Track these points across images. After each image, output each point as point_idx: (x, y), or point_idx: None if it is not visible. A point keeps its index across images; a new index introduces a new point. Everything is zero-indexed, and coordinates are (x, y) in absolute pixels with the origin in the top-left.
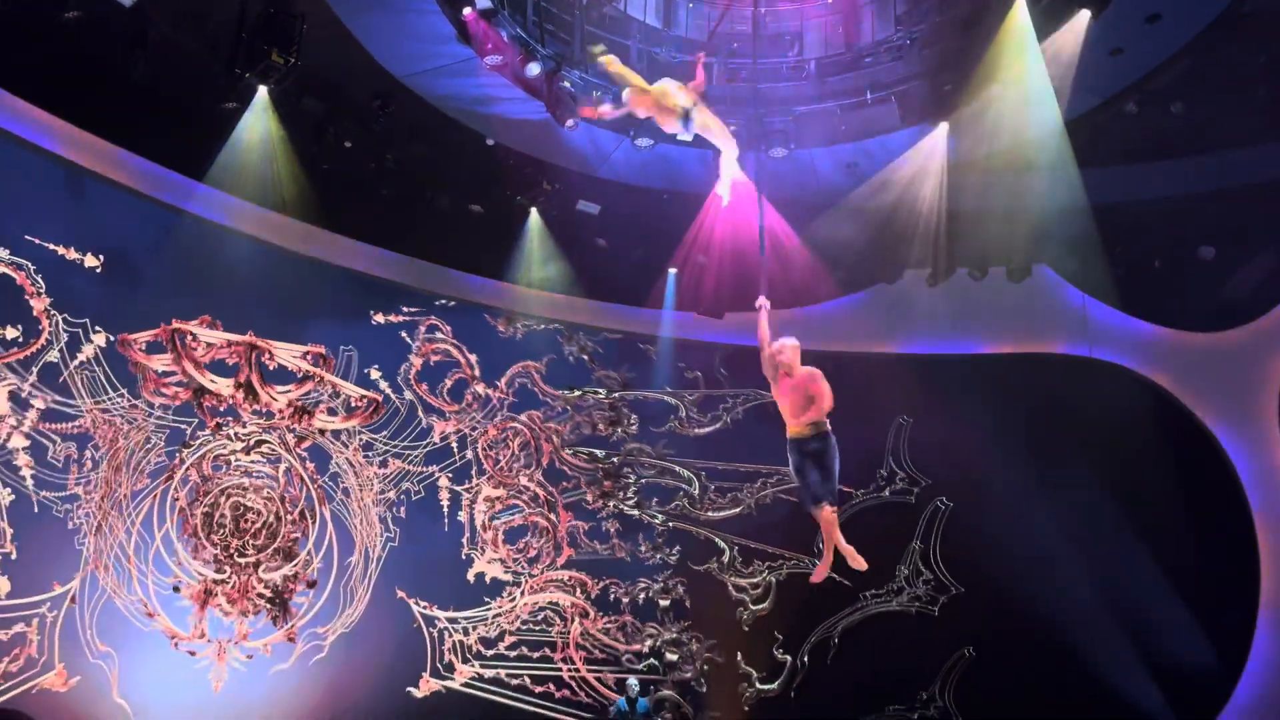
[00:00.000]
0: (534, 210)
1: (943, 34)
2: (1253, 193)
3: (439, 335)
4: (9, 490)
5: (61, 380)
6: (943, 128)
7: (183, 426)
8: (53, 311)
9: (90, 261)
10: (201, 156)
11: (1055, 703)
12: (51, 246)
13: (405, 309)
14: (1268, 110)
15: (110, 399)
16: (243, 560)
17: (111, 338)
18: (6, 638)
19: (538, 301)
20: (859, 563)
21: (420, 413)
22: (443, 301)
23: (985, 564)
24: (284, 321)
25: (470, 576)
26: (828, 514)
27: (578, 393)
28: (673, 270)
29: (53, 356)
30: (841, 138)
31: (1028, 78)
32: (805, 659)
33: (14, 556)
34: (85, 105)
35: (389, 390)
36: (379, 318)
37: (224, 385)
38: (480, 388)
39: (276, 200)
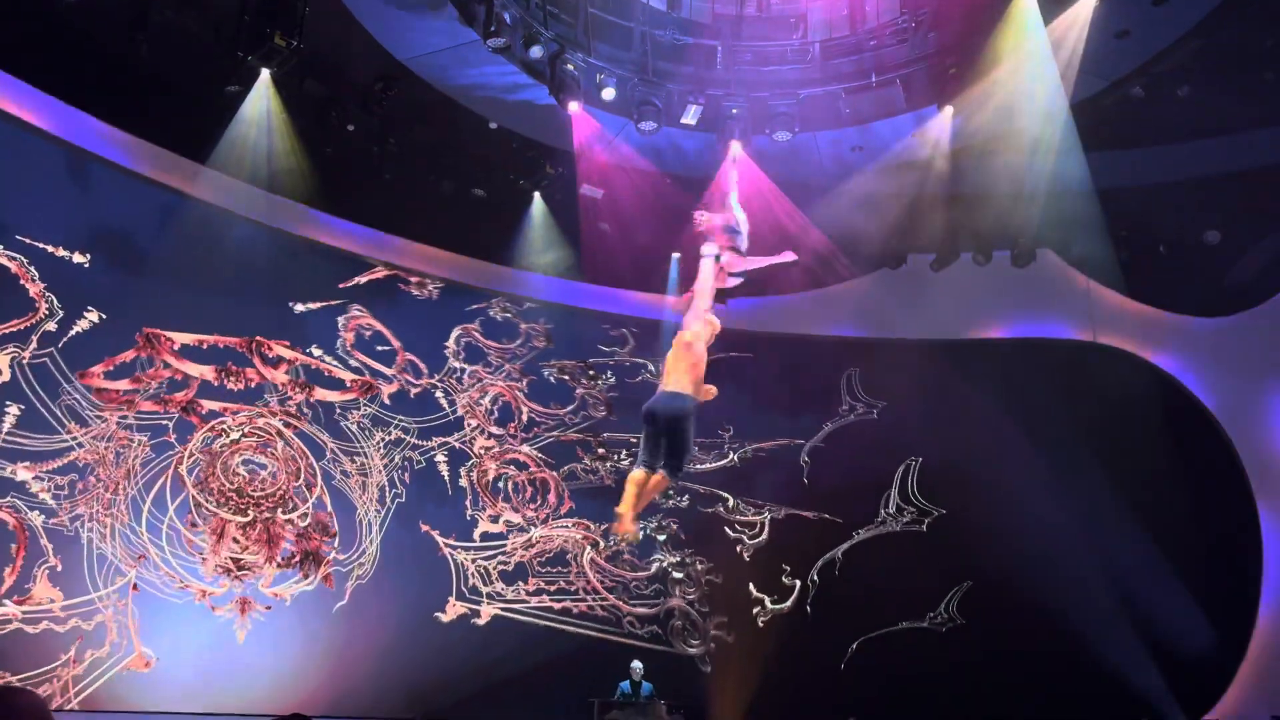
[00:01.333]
0: (537, 194)
1: (947, 16)
2: (1259, 177)
3: (356, 311)
4: (38, 513)
5: (44, 418)
6: (947, 111)
7: (165, 422)
8: (48, 294)
9: (78, 258)
10: (204, 139)
11: (1055, 689)
12: (41, 245)
13: (326, 298)
14: (1274, 94)
15: (93, 417)
16: (258, 495)
17: (103, 315)
18: (91, 627)
19: (541, 286)
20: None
21: (370, 378)
22: (349, 284)
23: (987, 549)
24: (284, 304)
25: (477, 536)
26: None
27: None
28: (676, 255)
29: (51, 327)
30: (846, 121)
31: (1033, 60)
32: (815, 578)
33: (59, 569)
34: (87, 88)
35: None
36: (299, 306)
37: (207, 371)
38: (409, 356)
39: (278, 183)
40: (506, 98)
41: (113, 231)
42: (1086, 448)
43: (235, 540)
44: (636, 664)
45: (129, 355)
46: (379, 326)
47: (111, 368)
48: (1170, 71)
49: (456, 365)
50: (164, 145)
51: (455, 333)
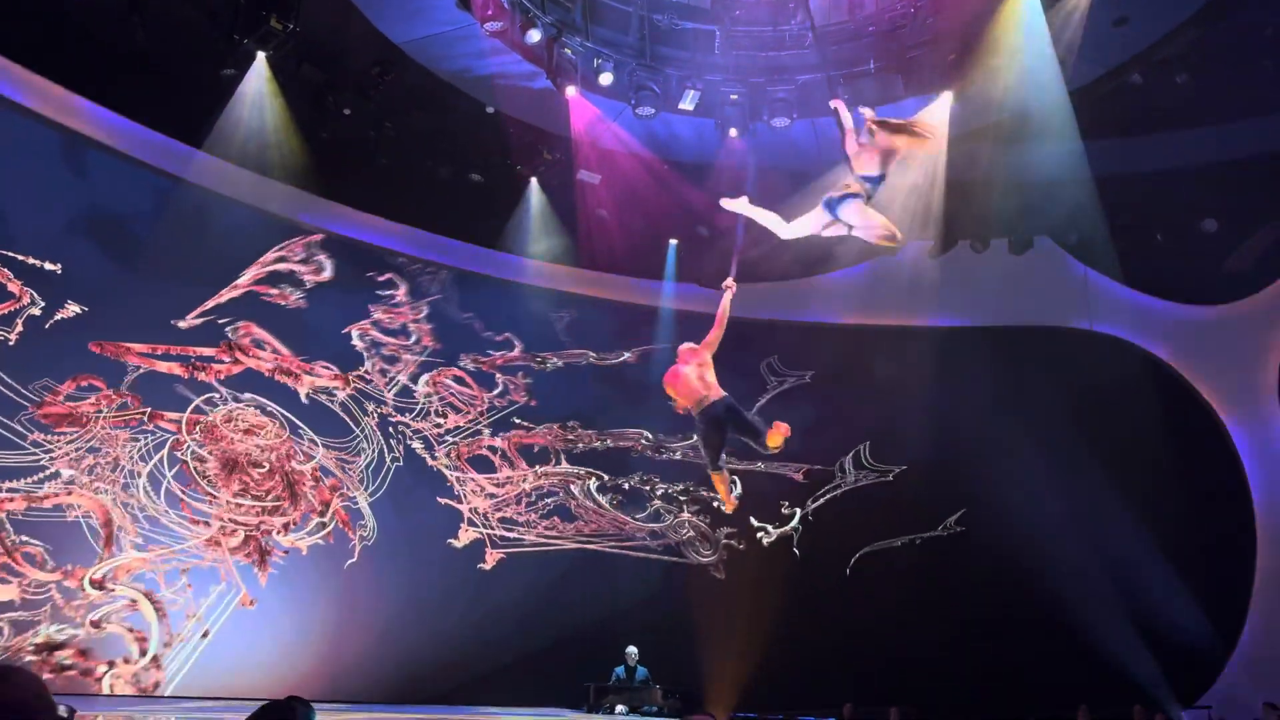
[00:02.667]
0: (534, 180)
1: (947, 2)
2: (1256, 165)
3: (241, 324)
4: (108, 495)
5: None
6: (946, 97)
7: (140, 417)
8: (26, 288)
9: (49, 265)
10: (199, 124)
11: (1051, 675)
12: (11, 254)
13: (203, 314)
14: (1273, 82)
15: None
16: (265, 445)
17: (85, 308)
18: (205, 566)
19: (538, 271)
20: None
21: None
22: (204, 309)
23: (998, 544)
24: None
25: (472, 505)
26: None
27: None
28: (674, 241)
29: (35, 311)
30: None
31: (1032, 47)
32: (810, 517)
33: (137, 536)
34: (82, 71)
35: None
36: (182, 324)
37: (174, 366)
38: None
39: (275, 168)
40: (504, 82)
41: (105, 216)
42: (1082, 436)
43: (256, 492)
44: (631, 649)
45: (69, 387)
46: (269, 339)
47: (61, 398)
48: (1169, 59)
49: (372, 360)
50: (158, 129)
51: (355, 332)
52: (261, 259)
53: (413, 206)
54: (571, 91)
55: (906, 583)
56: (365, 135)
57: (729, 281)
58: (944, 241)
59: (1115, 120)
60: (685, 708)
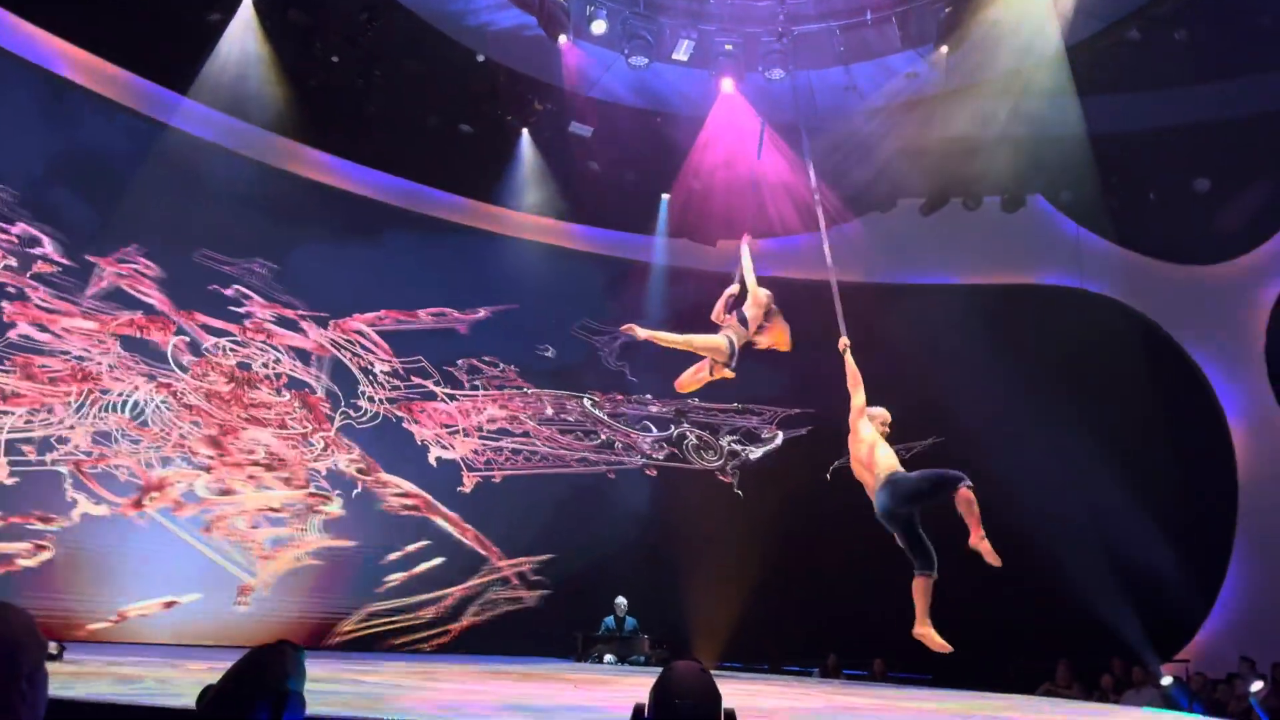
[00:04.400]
0: (525, 131)
1: None
2: (1250, 124)
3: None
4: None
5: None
6: (941, 51)
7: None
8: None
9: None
10: (185, 69)
11: (1032, 628)
12: None
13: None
14: (1271, 39)
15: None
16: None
17: (76, 262)
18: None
19: (528, 225)
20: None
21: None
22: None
23: (982, 499)
24: (264, 239)
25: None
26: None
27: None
28: (665, 195)
29: (11, 262)
30: (840, 59)
31: (1029, 1)
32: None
33: None
34: (66, 16)
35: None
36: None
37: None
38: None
39: (261, 116)
40: (495, 30)
41: (86, 162)
42: (1070, 394)
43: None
44: (620, 600)
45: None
46: None
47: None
48: (1168, 14)
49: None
50: (142, 74)
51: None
52: None
53: (401, 156)
54: (564, 40)
55: (890, 536)
56: (353, 83)
57: (844, 341)
58: (935, 199)
59: (1111, 76)
60: (673, 658)
